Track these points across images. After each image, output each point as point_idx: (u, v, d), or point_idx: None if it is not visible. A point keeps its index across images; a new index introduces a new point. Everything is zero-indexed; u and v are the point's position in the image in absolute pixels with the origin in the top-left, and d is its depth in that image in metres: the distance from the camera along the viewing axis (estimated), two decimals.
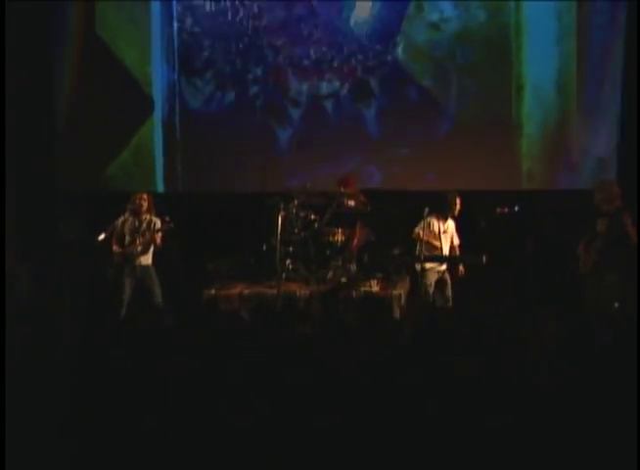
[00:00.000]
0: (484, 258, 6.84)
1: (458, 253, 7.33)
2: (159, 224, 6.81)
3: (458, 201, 7.16)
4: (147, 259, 6.86)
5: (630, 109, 7.90)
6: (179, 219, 7.23)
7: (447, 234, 7.26)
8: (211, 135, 8.65)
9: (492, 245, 7.26)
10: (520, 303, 5.99)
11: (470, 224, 7.30)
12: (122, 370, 3.51)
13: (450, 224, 7.31)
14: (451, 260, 7.21)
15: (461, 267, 7.29)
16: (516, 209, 6.93)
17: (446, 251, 7.25)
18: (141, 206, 6.81)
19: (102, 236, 6.71)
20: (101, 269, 6.92)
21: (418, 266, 7.11)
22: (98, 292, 6.99)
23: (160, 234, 6.79)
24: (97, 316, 5.61)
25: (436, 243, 7.19)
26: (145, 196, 6.91)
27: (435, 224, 7.18)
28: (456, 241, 7.38)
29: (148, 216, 6.83)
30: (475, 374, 3.30)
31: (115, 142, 8.75)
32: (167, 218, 6.91)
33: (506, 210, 7.07)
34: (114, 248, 6.79)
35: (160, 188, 8.91)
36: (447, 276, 7.23)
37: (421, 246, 7.01)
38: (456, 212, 7.18)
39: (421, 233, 7.05)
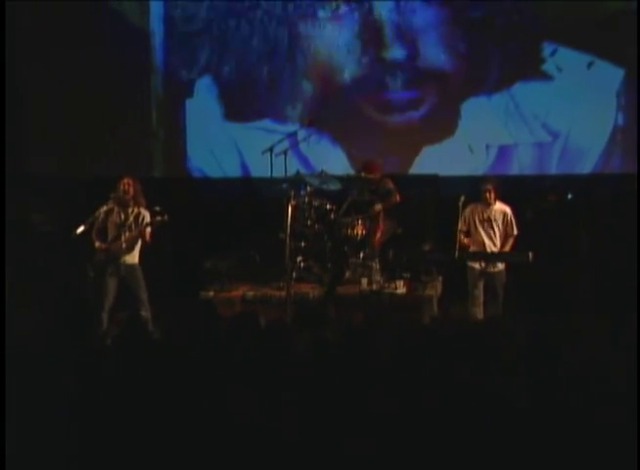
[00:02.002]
0: (530, 256, 6.70)
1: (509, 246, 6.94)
2: (148, 217, 6.72)
3: (491, 186, 6.95)
4: (133, 257, 6.76)
5: None
6: (172, 209, 7.21)
7: (491, 223, 6.92)
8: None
9: (540, 240, 7.19)
10: (573, 313, 5.87)
11: (514, 215, 7.15)
12: (96, 389, 3.48)
13: (495, 211, 6.96)
14: (491, 258, 6.93)
15: (501, 266, 6.96)
16: (569, 196, 6.84)
17: (491, 244, 6.94)
18: (126, 192, 6.74)
19: (81, 229, 6.60)
20: (79, 268, 6.87)
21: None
22: (75, 294, 6.96)
23: (149, 229, 6.68)
24: (73, 323, 5.61)
25: (475, 236, 6.93)
26: (130, 181, 6.80)
27: (472, 213, 6.97)
28: (514, 231, 6.96)
29: (136, 208, 6.76)
30: (521, 405, 3.22)
31: (98, 117, 8.84)
32: (158, 209, 6.86)
33: (556, 198, 6.99)
34: (96, 243, 6.73)
35: (159, 173, 9.02)
36: (497, 278, 6.87)
37: (459, 241, 6.85)
38: (491, 200, 6.93)
39: (464, 228, 6.89)
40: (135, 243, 6.73)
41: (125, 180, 6.78)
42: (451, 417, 3.18)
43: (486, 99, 8.59)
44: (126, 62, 8.81)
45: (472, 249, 6.88)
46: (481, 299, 6.83)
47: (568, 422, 3.14)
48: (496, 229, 6.96)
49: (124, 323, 4.53)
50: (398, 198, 7.60)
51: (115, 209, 6.74)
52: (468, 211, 6.97)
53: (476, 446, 3.07)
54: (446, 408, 3.24)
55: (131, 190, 6.76)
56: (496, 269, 6.88)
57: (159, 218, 6.67)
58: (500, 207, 6.98)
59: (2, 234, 7.34)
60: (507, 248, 6.96)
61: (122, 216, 6.74)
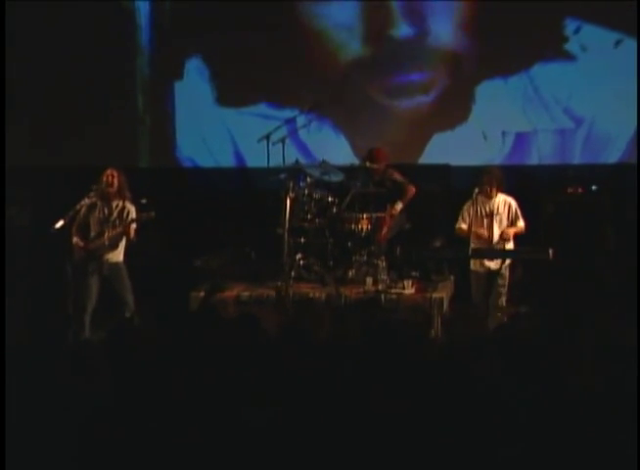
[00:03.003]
0: (551, 253, 6.62)
1: (508, 240, 6.88)
2: (133, 212, 6.71)
3: (493, 177, 6.89)
4: (117, 255, 6.75)
5: None
6: (160, 202, 7.21)
7: (497, 217, 6.89)
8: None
9: (561, 235, 7.23)
10: (599, 313, 5.85)
11: (533, 209, 7.20)
12: (76, 397, 3.48)
13: (500, 203, 6.92)
14: (507, 255, 6.89)
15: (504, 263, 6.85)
16: (593, 188, 6.83)
17: (496, 238, 6.90)
18: (110, 185, 6.71)
19: (60, 223, 6.58)
20: (58, 266, 6.82)
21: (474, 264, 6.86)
22: (53, 295, 6.92)
23: (134, 225, 6.69)
24: (51, 326, 5.59)
25: (481, 231, 6.90)
26: (114, 172, 6.77)
27: (472, 208, 6.95)
28: (520, 224, 6.92)
29: (120, 203, 6.74)
30: (540, 419, 3.21)
31: (78, 102, 8.84)
32: (144, 201, 6.83)
33: (579, 189, 6.98)
34: (75, 240, 6.69)
35: (145, 163, 9.03)
36: (501, 276, 6.86)
37: (468, 237, 6.87)
38: (492, 192, 6.88)
39: (462, 225, 6.89)
40: (119, 240, 6.71)
41: (109, 171, 6.76)
42: (461, 432, 3.19)
43: (503, 82, 8.58)
44: (109, 42, 8.80)
45: (474, 246, 6.87)
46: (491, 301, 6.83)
47: (584, 431, 3.18)
48: (499, 224, 6.92)
49: (107, 327, 4.52)
50: (414, 190, 7.59)
51: (98, 203, 6.72)
52: (467, 206, 6.95)
53: (494, 455, 3.12)
54: (455, 421, 3.24)
55: (115, 182, 6.73)
56: (496, 267, 6.85)
57: (144, 214, 6.65)
58: (503, 199, 6.95)
59: (2, 233, 7.41)
60: (512, 241, 6.92)
61: (106, 211, 6.71)
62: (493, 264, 6.85)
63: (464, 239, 6.88)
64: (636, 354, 3.55)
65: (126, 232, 6.64)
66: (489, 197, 6.91)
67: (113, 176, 6.73)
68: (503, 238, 6.88)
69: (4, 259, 6.97)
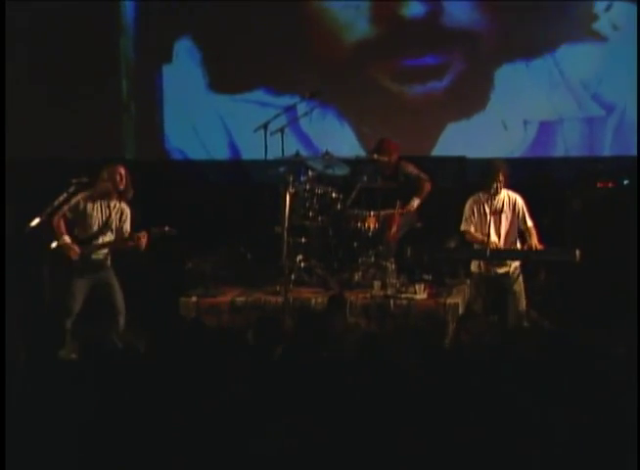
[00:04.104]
0: (578, 254, 6.68)
1: (532, 242, 6.92)
2: (128, 214, 6.72)
3: (501, 171, 6.91)
4: (106, 257, 6.79)
5: None
6: (147, 198, 7.21)
7: (502, 215, 6.94)
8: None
9: (590, 235, 7.16)
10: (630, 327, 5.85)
11: (558, 206, 7.17)
12: (60, 407, 3.52)
13: (504, 199, 6.96)
14: (529, 257, 6.93)
15: (513, 265, 6.91)
16: (625, 182, 6.85)
17: (497, 239, 6.94)
18: (117, 185, 6.66)
19: (36, 221, 6.56)
20: (34, 268, 6.86)
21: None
22: (31, 299, 6.94)
23: (144, 239, 6.59)
24: (32, 335, 5.64)
25: (486, 231, 6.93)
26: (123, 171, 6.73)
27: (476, 206, 7.00)
28: (529, 223, 6.97)
29: (118, 203, 6.75)
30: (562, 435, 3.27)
31: (57, 88, 8.82)
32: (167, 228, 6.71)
33: (610, 184, 6.97)
34: (66, 240, 6.62)
35: (131, 155, 9.04)
36: (516, 281, 6.88)
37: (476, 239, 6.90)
38: (496, 186, 6.91)
39: (469, 227, 6.91)
40: (121, 247, 6.69)
41: (119, 170, 6.74)
42: (478, 450, 3.22)
43: (525, 65, 8.57)
44: (88, 20, 8.77)
45: (476, 247, 6.93)
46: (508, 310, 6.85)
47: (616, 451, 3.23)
48: (505, 223, 6.97)
49: (95, 335, 4.54)
50: (430, 186, 7.60)
51: (97, 201, 6.71)
52: (469, 204, 6.99)
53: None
54: (471, 440, 3.26)
55: (124, 182, 6.73)
56: (502, 271, 6.88)
57: (157, 230, 6.64)
58: (509, 195, 6.98)
59: (2, 232, 7.36)
60: (518, 243, 6.96)
61: (106, 212, 6.72)
62: (500, 268, 6.89)
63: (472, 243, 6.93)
64: None
65: (137, 245, 6.58)
66: (495, 193, 6.95)
67: (122, 176, 6.71)
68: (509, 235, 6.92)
69: (4, 259, 6.97)
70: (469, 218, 6.99)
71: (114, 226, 6.72)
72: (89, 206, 6.69)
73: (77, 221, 6.70)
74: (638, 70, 8.17)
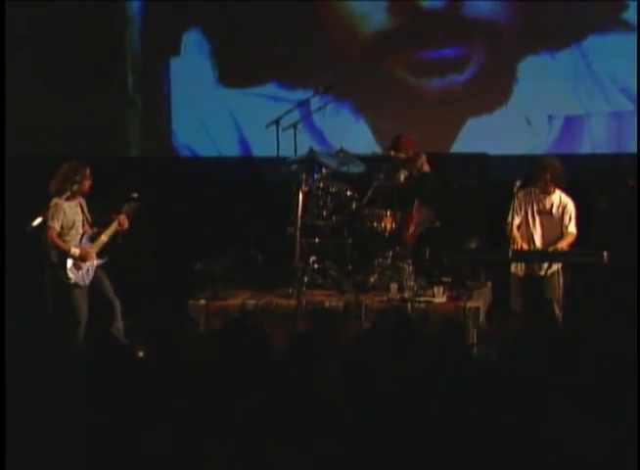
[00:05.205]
0: (606, 256, 6.64)
1: (559, 244, 6.92)
2: (84, 203, 6.86)
3: (551, 170, 6.84)
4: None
5: None
6: (154, 196, 7.22)
7: (547, 217, 6.92)
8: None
9: (618, 236, 7.14)
10: None
11: (584, 205, 7.14)
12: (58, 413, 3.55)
13: (556, 202, 6.93)
14: (555, 258, 6.92)
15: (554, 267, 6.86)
16: None
17: (541, 242, 6.93)
18: (85, 186, 6.79)
19: (38, 220, 6.67)
20: (35, 269, 6.90)
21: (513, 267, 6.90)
22: (31, 305, 6.99)
23: (122, 218, 6.80)
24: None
25: (526, 231, 6.91)
26: (89, 172, 6.82)
27: (526, 201, 6.95)
28: (571, 229, 6.96)
29: (81, 199, 6.88)
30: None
31: (60, 82, 8.84)
32: (135, 195, 6.89)
33: (638, 182, 6.94)
34: (75, 252, 6.69)
35: (136, 151, 9.08)
36: (553, 283, 6.86)
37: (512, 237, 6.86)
38: (550, 187, 6.87)
39: (514, 221, 6.87)
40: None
41: (87, 168, 6.84)
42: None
43: (550, 57, 8.52)
44: (96, 12, 8.79)
45: (517, 247, 6.88)
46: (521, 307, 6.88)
47: None
48: (549, 225, 6.93)
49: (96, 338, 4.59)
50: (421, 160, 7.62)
51: (80, 202, 6.83)
52: (520, 197, 6.94)
53: None
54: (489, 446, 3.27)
55: (88, 185, 6.85)
56: (548, 273, 6.84)
57: (127, 205, 6.83)
58: (561, 197, 6.94)
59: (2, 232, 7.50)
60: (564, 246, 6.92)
61: (79, 211, 6.82)
62: (539, 269, 6.86)
63: (510, 239, 6.86)
64: None
65: (120, 224, 6.79)
66: (547, 192, 6.91)
67: (89, 180, 6.83)
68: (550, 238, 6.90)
69: (4, 260, 7.07)
70: (516, 211, 6.92)
71: (89, 221, 6.85)
72: (67, 209, 6.77)
73: (66, 228, 6.77)
74: (638, 69, 8.12)
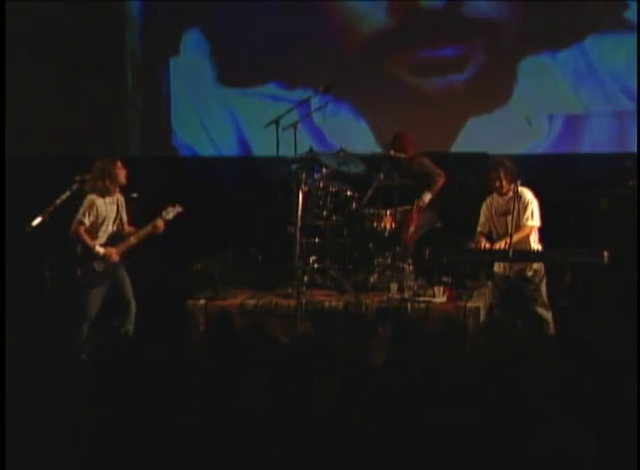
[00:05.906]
0: (606, 256, 6.60)
1: (533, 241, 6.87)
2: (123, 201, 6.87)
3: (500, 170, 6.81)
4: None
5: None
6: (153, 196, 7.21)
7: (509, 216, 6.74)
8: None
9: (618, 236, 7.15)
10: None
11: (584, 204, 7.19)
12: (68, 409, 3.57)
13: (511, 199, 6.74)
14: (554, 258, 6.81)
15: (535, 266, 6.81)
16: None
17: (502, 243, 6.77)
18: (120, 179, 6.79)
19: (37, 220, 6.67)
20: (36, 269, 6.90)
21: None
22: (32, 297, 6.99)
23: (159, 221, 6.84)
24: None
25: (498, 233, 6.86)
26: (121, 164, 6.85)
27: (489, 208, 6.95)
28: (528, 222, 6.79)
29: (115, 195, 6.88)
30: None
31: (59, 81, 8.87)
32: (135, 195, 6.93)
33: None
34: (99, 250, 6.70)
35: (136, 151, 9.09)
36: (529, 283, 6.82)
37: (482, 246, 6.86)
38: (500, 184, 6.82)
39: (479, 229, 6.90)
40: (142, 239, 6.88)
41: (119, 164, 6.85)
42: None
43: (550, 57, 8.54)
44: (93, 11, 8.81)
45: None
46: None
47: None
48: (510, 225, 6.80)
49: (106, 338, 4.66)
50: (443, 178, 7.59)
51: (103, 199, 6.80)
52: (484, 205, 6.96)
53: None
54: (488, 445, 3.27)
55: (125, 177, 6.85)
56: (528, 274, 6.81)
57: (171, 208, 6.91)
58: (517, 194, 6.76)
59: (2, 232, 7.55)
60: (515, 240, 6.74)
61: (114, 208, 6.83)
62: (519, 269, 6.82)
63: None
64: None
65: (156, 228, 6.84)
66: (503, 193, 6.87)
67: (122, 169, 6.83)
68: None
69: (4, 260, 7.07)
70: (481, 221, 6.96)
71: (124, 220, 6.89)
72: (101, 206, 6.78)
73: (96, 224, 6.78)
74: (638, 69, 8.14)
